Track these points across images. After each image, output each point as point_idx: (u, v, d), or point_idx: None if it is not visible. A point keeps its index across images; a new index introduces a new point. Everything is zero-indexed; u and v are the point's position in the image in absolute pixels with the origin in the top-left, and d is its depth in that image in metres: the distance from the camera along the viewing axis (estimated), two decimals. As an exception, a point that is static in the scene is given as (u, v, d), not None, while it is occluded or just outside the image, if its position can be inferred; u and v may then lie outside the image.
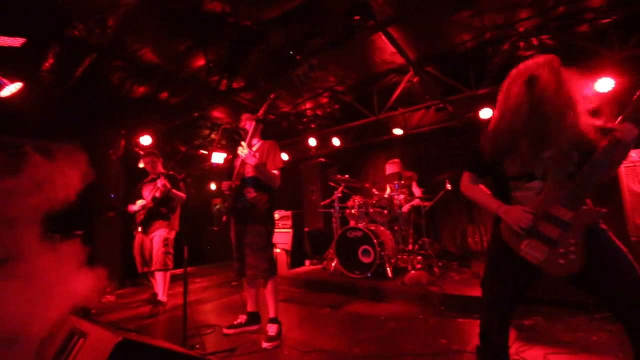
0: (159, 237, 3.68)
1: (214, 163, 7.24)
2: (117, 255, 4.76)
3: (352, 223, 5.00)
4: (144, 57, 3.72)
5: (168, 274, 3.70)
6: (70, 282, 2.01)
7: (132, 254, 4.24)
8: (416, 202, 4.65)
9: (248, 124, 2.83)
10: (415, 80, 4.83)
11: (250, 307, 2.87)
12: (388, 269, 3.93)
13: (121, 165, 4.98)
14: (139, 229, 3.78)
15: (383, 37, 3.56)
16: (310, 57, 3.03)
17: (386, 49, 3.89)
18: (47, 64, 3.32)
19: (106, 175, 4.76)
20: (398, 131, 5.68)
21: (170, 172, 3.79)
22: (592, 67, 3.99)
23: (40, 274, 1.90)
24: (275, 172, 2.64)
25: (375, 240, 3.92)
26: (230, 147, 7.52)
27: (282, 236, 5.38)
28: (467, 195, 1.74)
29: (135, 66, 4.08)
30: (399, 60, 4.19)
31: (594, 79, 4.07)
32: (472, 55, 4.30)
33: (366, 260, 3.98)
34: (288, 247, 5.29)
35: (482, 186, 1.69)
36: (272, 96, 2.41)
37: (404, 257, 4.29)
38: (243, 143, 2.44)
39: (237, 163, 2.81)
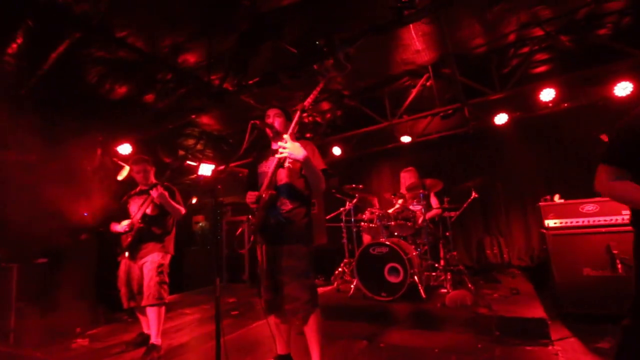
0: (151, 264, 2.99)
1: (201, 175, 6.59)
2: (91, 285, 3.93)
3: (366, 238, 4.55)
4: (133, 45, 3.09)
5: (163, 309, 2.99)
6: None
7: (111, 284, 3.48)
8: (438, 211, 4.31)
9: (277, 121, 2.33)
10: (428, 84, 4.57)
11: (281, 349, 2.29)
12: (420, 289, 3.49)
13: (96, 177, 4.21)
14: (126, 254, 3.07)
15: (412, 31, 3.25)
16: (346, 45, 2.61)
17: (410, 46, 3.58)
18: (14, 45, 2.61)
19: (78, 190, 3.97)
20: (406, 139, 5.38)
21: (165, 183, 3.16)
22: (609, 71, 3.95)
23: None
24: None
25: (405, 257, 3.48)
26: (218, 158, 6.89)
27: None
28: (610, 196, 1.37)
29: (120, 60, 3.45)
30: (421, 59, 3.91)
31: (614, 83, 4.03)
32: (490, 58, 4.12)
33: (394, 279, 3.52)
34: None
35: (630, 183, 1.32)
36: (321, 84, 1.94)
37: (432, 274, 3.88)
38: (286, 136, 1.93)
39: (265, 168, 2.29)
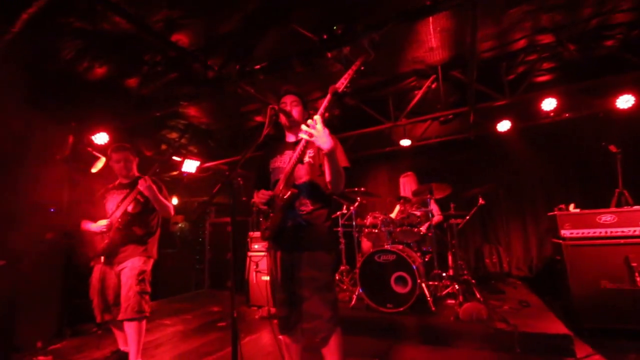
0: (130, 271, 2.57)
1: (184, 172, 6.08)
2: (55, 292, 3.39)
3: (366, 244, 4.30)
4: (125, 12, 2.67)
5: (143, 323, 2.57)
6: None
7: (79, 291, 3.02)
8: (440, 218, 4.14)
9: (295, 109, 2.04)
10: (434, 86, 4.42)
11: (290, 374, 1.96)
12: (429, 300, 3.27)
13: (67, 168, 3.68)
14: (102, 259, 2.63)
15: (431, 25, 3.06)
16: (371, 31, 2.36)
17: (425, 43, 3.39)
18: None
19: (45, 182, 3.44)
20: (406, 142, 5.20)
21: (153, 178, 2.75)
22: (612, 83, 3.96)
23: None
24: None
25: (413, 266, 3.25)
26: (202, 154, 6.41)
27: (280, 261, 4.44)
28: None
29: (103, 35, 3.01)
30: (432, 58, 3.74)
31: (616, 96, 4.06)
32: (498, 63, 4.03)
33: (401, 290, 3.28)
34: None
35: None
36: (358, 62, 1.66)
37: (438, 284, 3.67)
38: (317, 117, 1.61)
39: (280, 164, 1.98)
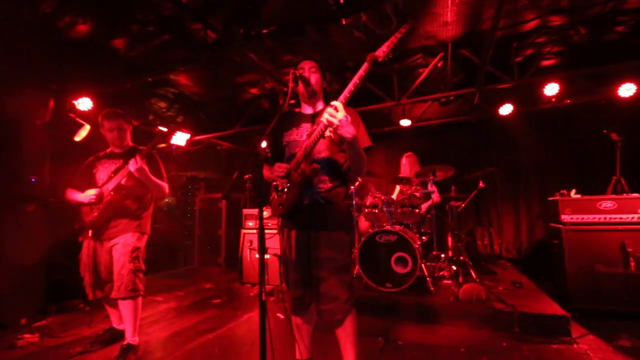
0: (123, 247, 2.41)
1: (173, 145, 5.79)
2: (39, 267, 3.19)
3: (363, 225, 4.26)
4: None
5: (139, 301, 2.45)
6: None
7: (64, 266, 2.86)
8: (438, 200, 4.13)
9: (313, 77, 1.87)
10: (439, 65, 4.28)
11: (302, 354, 1.91)
12: (428, 281, 3.29)
13: (48, 135, 3.38)
14: (89, 232, 2.45)
15: (449, -2, 2.89)
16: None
17: (441, 16, 3.22)
18: None
19: (24, 149, 3.15)
20: (406, 122, 5.10)
21: (152, 151, 2.54)
22: (615, 70, 3.94)
23: None
24: None
25: (415, 246, 3.24)
26: (192, 127, 6.09)
27: (276, 239, 4.36)
28: None
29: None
30: (444, 34, 3.58)
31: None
32: (508, 44, 3.92)
33: (402, 270, 3.28)
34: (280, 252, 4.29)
35: None
36: (403, 29, 1.50)
37: (435, 264, 3.71)
38: (338, 103, 1.49)
39: (296, 136, 1.84)
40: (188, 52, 3.31)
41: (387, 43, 1.50)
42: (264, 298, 1.36)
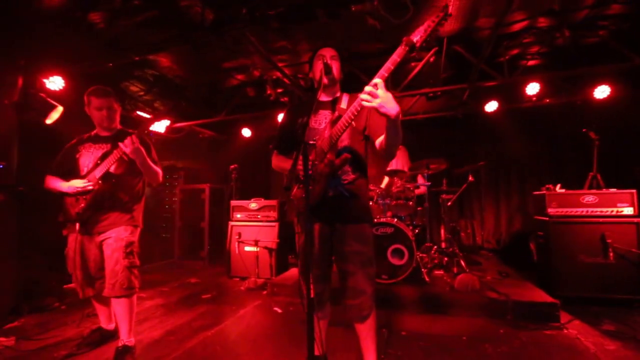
0: (116, 242, 2.21)
1: (152, 131, 5.41)
2: (9, 262, 2.87)
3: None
4: None
5: (134, 299, 2.27)
6: None
7: (36, 261, 2.63)
8: (424, 190, 4.21)
9: (334, 65, 1.80)
10: (432, 60, 4.32)
11: (318, 350, 1.87)
12: (424, 272, 3.37)
13: (16, 116, 3.02)
14: (76, 226, 2.22)
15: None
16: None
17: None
18: None
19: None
20: (395, 115, 5.13)
21: (144, 135, 2.34)
22: (592, 73, 4.20)
23: None
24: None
25: (412, 238, 3.29)
26: (171, 114, 5.73)
27: (266, 231, 4.26)
28: None
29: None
30: (441, 29, 3.58)
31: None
32: (499, 42, 4.03)
33: (398, 262, 3.33)
34: (273, 244, 4.21)
35: None
36: (441, 14, 1.44)
37: (427, 256, 3.79)
38: (379, 81, 1.39)
39: (315, 124, 1.76)
40: (179, 31, 3.06)
41: (425, 27, 1.42)
42: (312, 295, 1.29)
